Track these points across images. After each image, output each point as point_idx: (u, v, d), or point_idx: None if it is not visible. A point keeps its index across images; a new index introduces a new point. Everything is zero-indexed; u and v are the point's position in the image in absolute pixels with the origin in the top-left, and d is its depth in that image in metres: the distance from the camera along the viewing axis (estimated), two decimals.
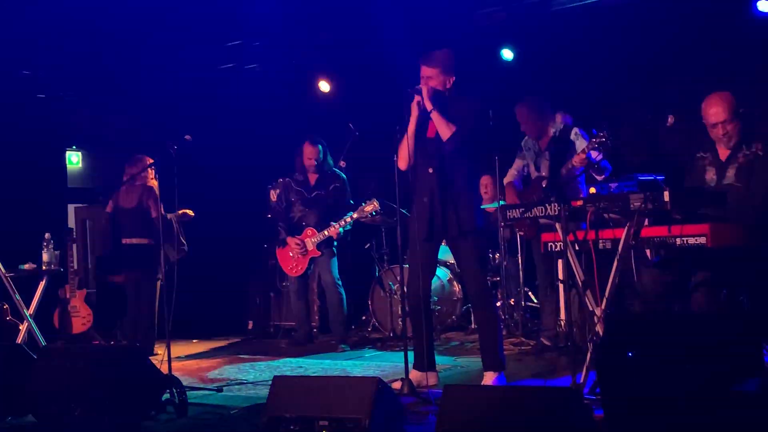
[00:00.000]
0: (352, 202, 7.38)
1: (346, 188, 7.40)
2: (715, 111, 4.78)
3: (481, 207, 5.38)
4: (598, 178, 5.93)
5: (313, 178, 7.39)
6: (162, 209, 6.52)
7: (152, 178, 7.36)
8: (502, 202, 6.53)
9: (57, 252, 6.86)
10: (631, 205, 4.28)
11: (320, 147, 7.32)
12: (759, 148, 4.70)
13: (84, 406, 4.22)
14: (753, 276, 4.73)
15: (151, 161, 7.08)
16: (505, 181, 6.53)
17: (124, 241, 7.44)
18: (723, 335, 3.44)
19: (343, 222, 7.20)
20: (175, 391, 4.66)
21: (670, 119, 4.83)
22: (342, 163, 7.81)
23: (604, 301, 4.47)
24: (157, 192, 7.27)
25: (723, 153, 4.82)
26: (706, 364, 3.27)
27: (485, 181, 7.82)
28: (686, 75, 7.06)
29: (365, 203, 7.14)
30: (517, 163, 6.47)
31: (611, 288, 4.46)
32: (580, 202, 4.50)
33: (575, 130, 6.11)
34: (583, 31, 7.49)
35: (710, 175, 4.85)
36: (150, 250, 7.27)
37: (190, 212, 7.39)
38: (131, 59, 9.38)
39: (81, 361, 4.45)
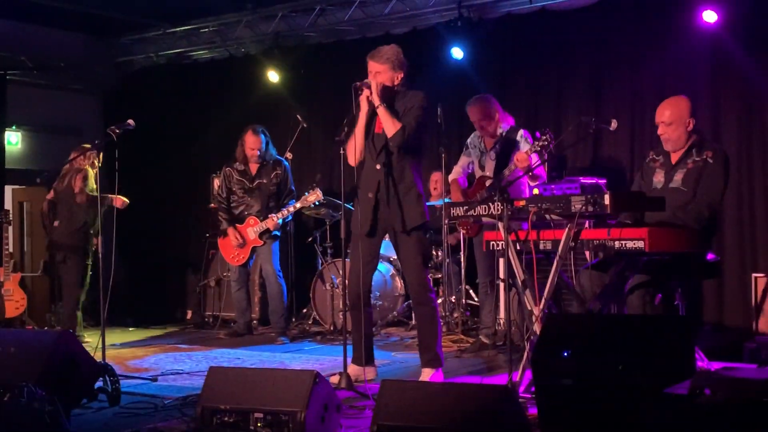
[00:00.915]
0: (294, 189, 7.34)
1: (288, 175, 7.35)
2: (660, 111, 4.88)
3: (429, 204, 5.38)
4: (532, 184, 5.98)
5: (254, 167, 7.32)
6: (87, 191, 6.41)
7: (89, 162, 7.23)
8: (447, 200, 6.55)
9: None
10: (573, 207, 4.30)
11: (263, 137, 7.26)
12: (709, 156, 4.75)
13: (13, 392, 4.12)
14: (688, 281, 4.82)
15: (89, 146, 6.99)
16: (450, 178, 6.55)
17: (54, 223, 7.44)
18: (657, 338, 3.50)
19: (285, 211, 7.17)
20: (108, 379, 4.58)
21: (614, 123, 4.89)
22: (288, 155, 7.75)
23: (543, 300, 4.52)
24: (89, 174, 7.19)
25: (674, 157, 4.88)
26: (640, 366, 3.32)
27: (435, 177, 7.84)
28: (631, 81, 7.17)
29: (308, 192, 7.11)
30: (463, 160, 6.49)
31: (550, 288, 4.51)
32: (522, 203, 4.52)
33: (521, 132, 6.11)
34: (531, 34, 7.56)
35: (659, 177, 4.91)
36: (74, 233, 7.25)
37: (122, 199, 7.10)
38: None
39: (12, 346, 4.34)
